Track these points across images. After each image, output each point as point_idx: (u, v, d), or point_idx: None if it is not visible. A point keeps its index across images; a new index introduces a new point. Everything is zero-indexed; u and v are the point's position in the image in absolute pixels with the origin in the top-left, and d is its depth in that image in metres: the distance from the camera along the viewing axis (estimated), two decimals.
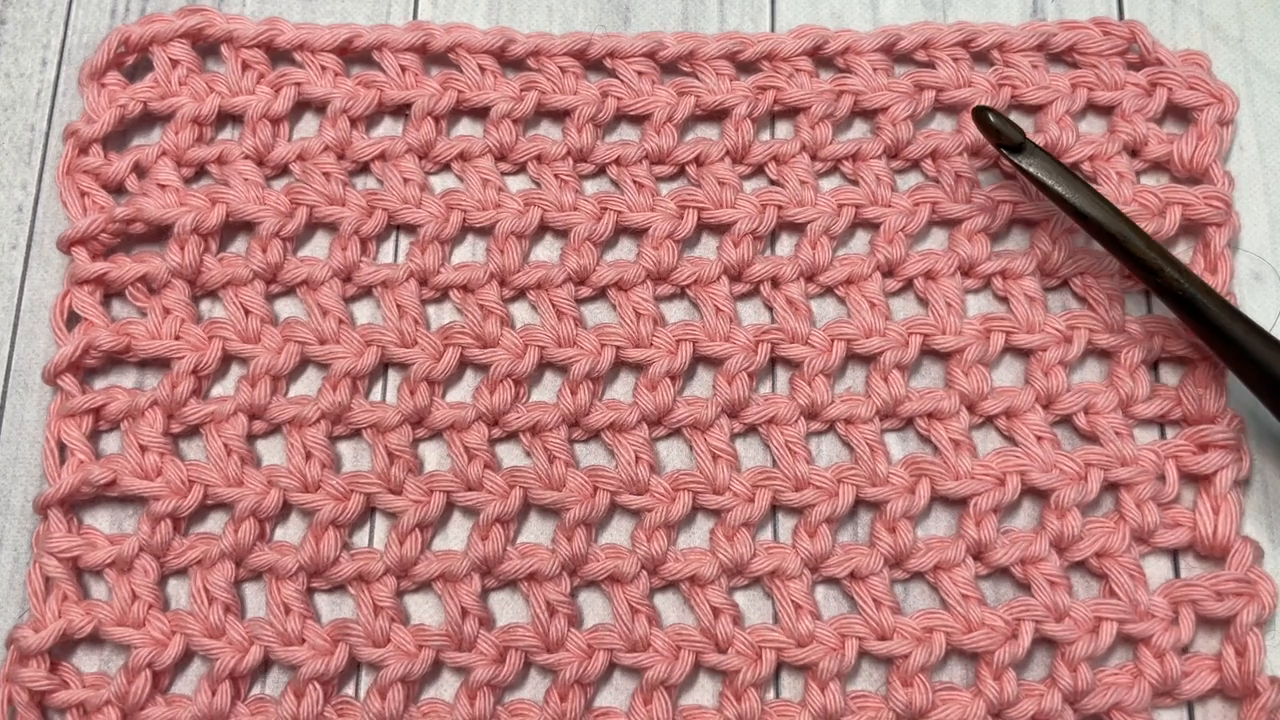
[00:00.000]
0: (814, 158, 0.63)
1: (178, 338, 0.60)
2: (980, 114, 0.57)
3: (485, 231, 0.62)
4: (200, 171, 0.63)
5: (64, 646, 0.58)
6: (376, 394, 0.61)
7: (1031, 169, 0.57)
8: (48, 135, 0.65)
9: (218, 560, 0.58)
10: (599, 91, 0.63)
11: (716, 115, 0.64)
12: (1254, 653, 0.56)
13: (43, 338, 0.62)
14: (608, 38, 0.64)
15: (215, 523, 0.59)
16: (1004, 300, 0.61)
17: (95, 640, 0.58)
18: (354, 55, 0.64)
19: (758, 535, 0.59)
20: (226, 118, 0.64)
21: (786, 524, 0.60)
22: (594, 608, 0.59)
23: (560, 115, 0.64)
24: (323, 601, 0.59)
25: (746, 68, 0.64)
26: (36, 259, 0.63)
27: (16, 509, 0.60)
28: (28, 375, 0.62)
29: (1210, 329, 0.56)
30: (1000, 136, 0.57)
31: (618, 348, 0.60)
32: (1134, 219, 0.61)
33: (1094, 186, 0.58)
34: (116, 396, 0.59)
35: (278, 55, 0.64)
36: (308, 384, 0.61)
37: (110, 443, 0.61)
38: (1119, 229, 0.57)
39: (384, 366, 0.61)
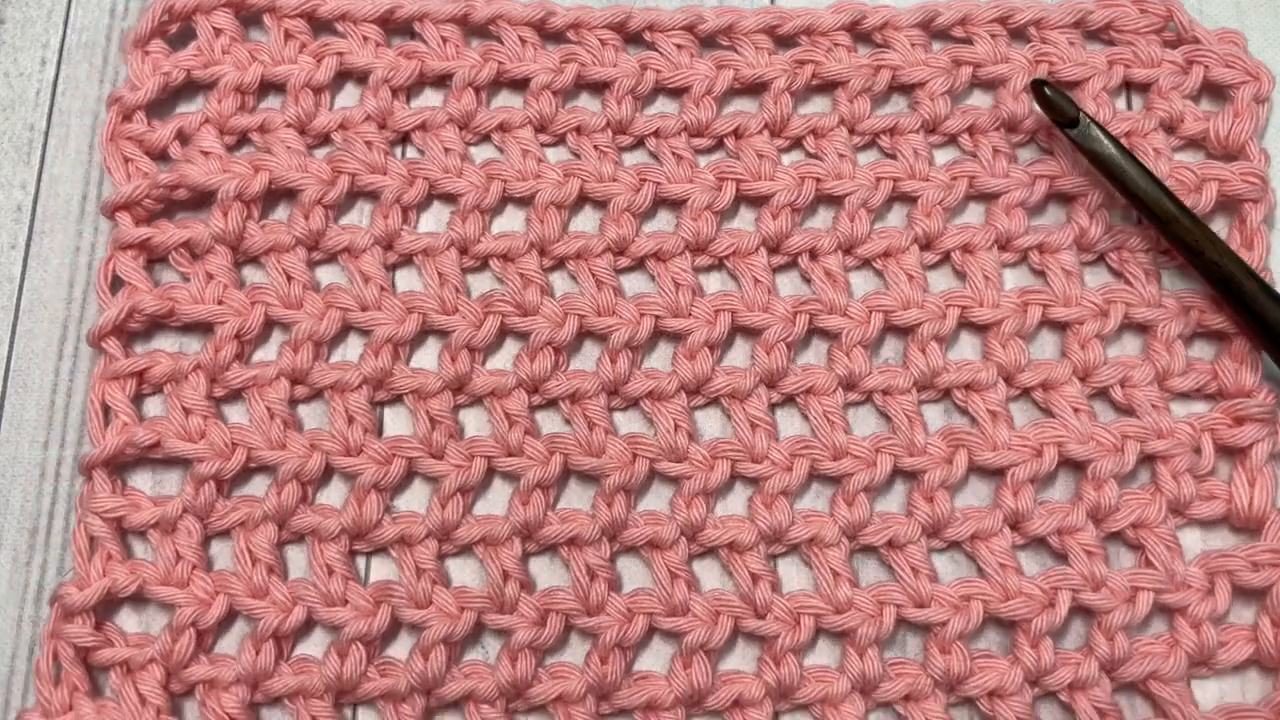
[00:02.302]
0: (852, 131, 0.63)
1: (220, 302, 0.60)
2: (1037, 87, 0.58)
3: (525, 201, 0.63)
4: (242, 139, 0.63)
5: (106, 608, 0.58)
6: (418, 361, 0.61)
7: (1085, 144, 0.58)
8: (46, 135, 0.65)
9: (261, 522, 0.58)
10: (638, 64, 0.64)
11: (755, 89, 0.64)
12: None
13: (42, 338, 0.62)
14: (647, 11, 0.64)
15: (258, 486, 0.60)
16: (1041, 274, 0.62)
17: (137, 603, 0.58)
18: (395, 26, 0.65)
19: (796, 503, 0.59)
20: (269, 86, 0.64)
21: (824, 493, 0.60)
22: (633, 573, 0.59)
23: (600, 87, 0.64)
24: (365, 564, 0.59)
25: (785, 42, 0.64)
26: (35, 259, 0.63)
27: (16, 509, 0.60)
28: (26, 375, 0.61)
29: (1248, 311, 0.57)
30: (1055, 110, 0.58)
31: (657, 317, 0.60)
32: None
33: (1145, 164, 0.58)
34: (160, 360, 0.60)
35: (320, 25, 0.64)
36: (349, 350, 0.61)
37: (150, 407, 0.61)
38: (1165, 208, 0.58)
39: (425, 333, 0.61)
